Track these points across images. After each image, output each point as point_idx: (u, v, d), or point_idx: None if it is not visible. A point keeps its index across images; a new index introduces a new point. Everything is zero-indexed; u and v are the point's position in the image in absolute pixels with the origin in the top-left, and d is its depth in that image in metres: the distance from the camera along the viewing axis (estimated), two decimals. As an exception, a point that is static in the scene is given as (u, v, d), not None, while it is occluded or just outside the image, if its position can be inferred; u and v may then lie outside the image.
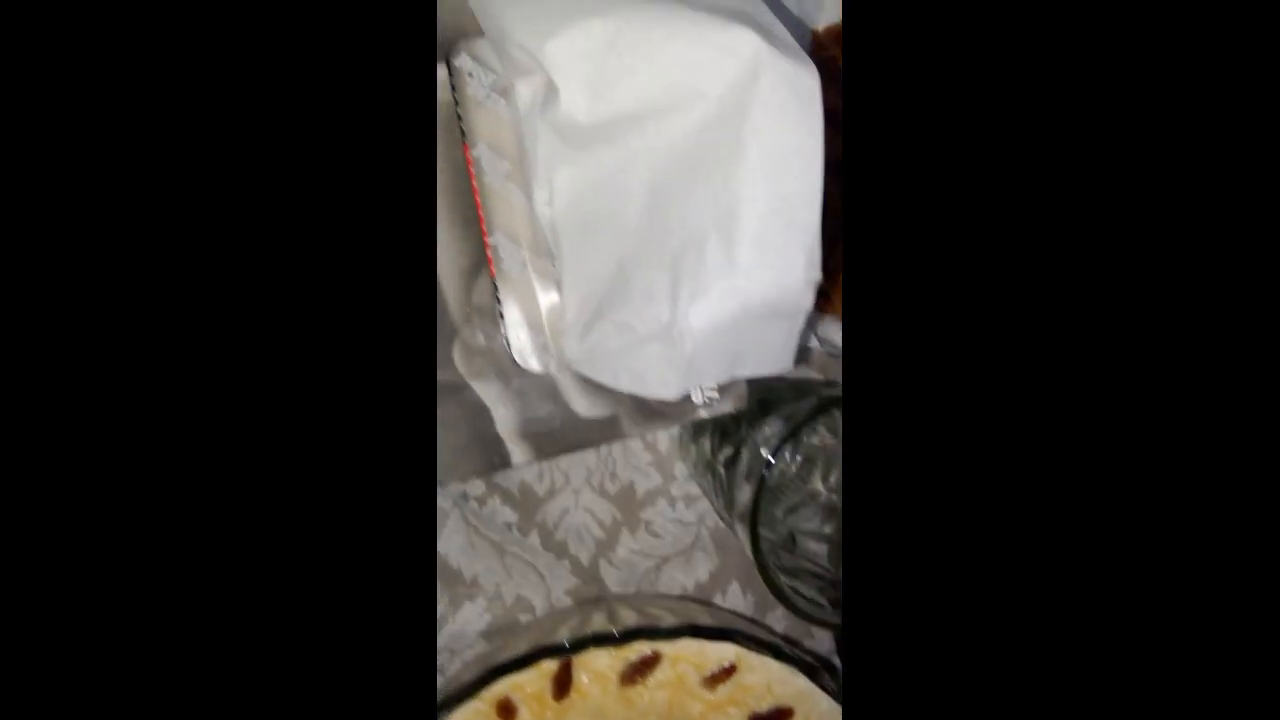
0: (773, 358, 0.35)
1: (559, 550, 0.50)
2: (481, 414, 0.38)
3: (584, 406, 0.39)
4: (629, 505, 0.50)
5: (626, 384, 0.35)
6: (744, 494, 0.37)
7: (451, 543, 0.49)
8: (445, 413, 0.38)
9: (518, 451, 0.38)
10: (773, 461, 0.36)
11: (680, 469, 0.50)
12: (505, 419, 0.38)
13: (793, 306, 0.33)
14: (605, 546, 0.50)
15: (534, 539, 0.49)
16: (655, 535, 0.51)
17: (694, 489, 0.51)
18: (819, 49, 0.44)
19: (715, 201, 0.32)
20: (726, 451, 0.41)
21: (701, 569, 0.52)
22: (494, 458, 0.38)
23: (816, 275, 0.32)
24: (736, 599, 0.52)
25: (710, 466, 0.43)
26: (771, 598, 0.39)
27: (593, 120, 0.33)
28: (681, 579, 0.51)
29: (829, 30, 0.44)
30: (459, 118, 0.37)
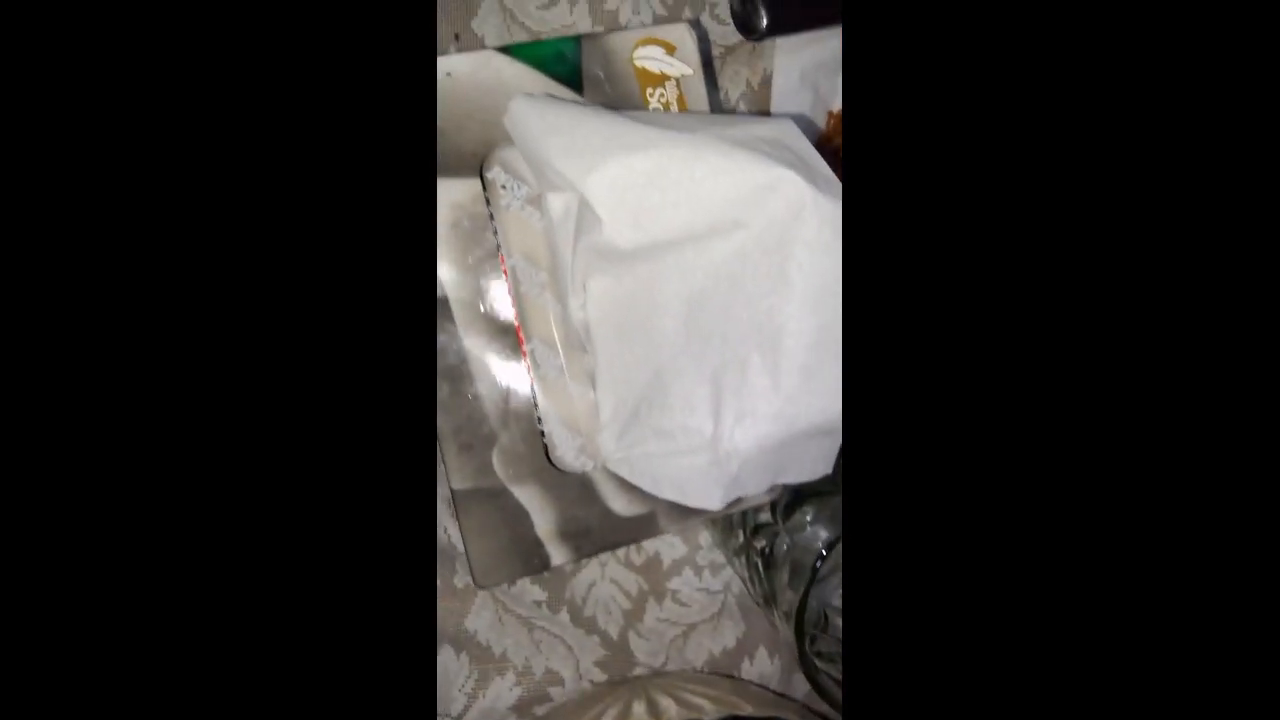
0: (814, 468, 0.35)
1: (588, 626, 0.50)
2: (521, 518, 0.38)
3: (621, 505, 0.39)
4: (655, 575, 0.51)
5: (668, 493, 0.36)
6: (786, 595, 0.37)
7: (480, 620, 0.49)
8: (485, 518, 0.38)
9: (557, 553, 0.39)
10: (820, 565, 0.37)
11: (705, 537, 0.51)
12: (544, 521, 0.39)
13: (837, 425, 0.34)
14: (633, 617, 0.51)
15: (563, 615, 0.50)
16: (682, 604, 0.52)
17: (719, 557, 0.51)
18: (825, 140, 0.44)
19: (757, 325, 0.32)
20: (761, 542, 0.42)
21: (729, 635, 0.52)
22: (534, 560, 0.39)
23: (861, 400, 0.33)
24: (764, 664, 0.52)
25: (742, 551, 0.43)
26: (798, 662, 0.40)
27: (632, 246, 0.33)
28: (709, 645, 0.52)
29: (836, 118, 0.45)
30: (493, 230, 0.37)
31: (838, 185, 0.31)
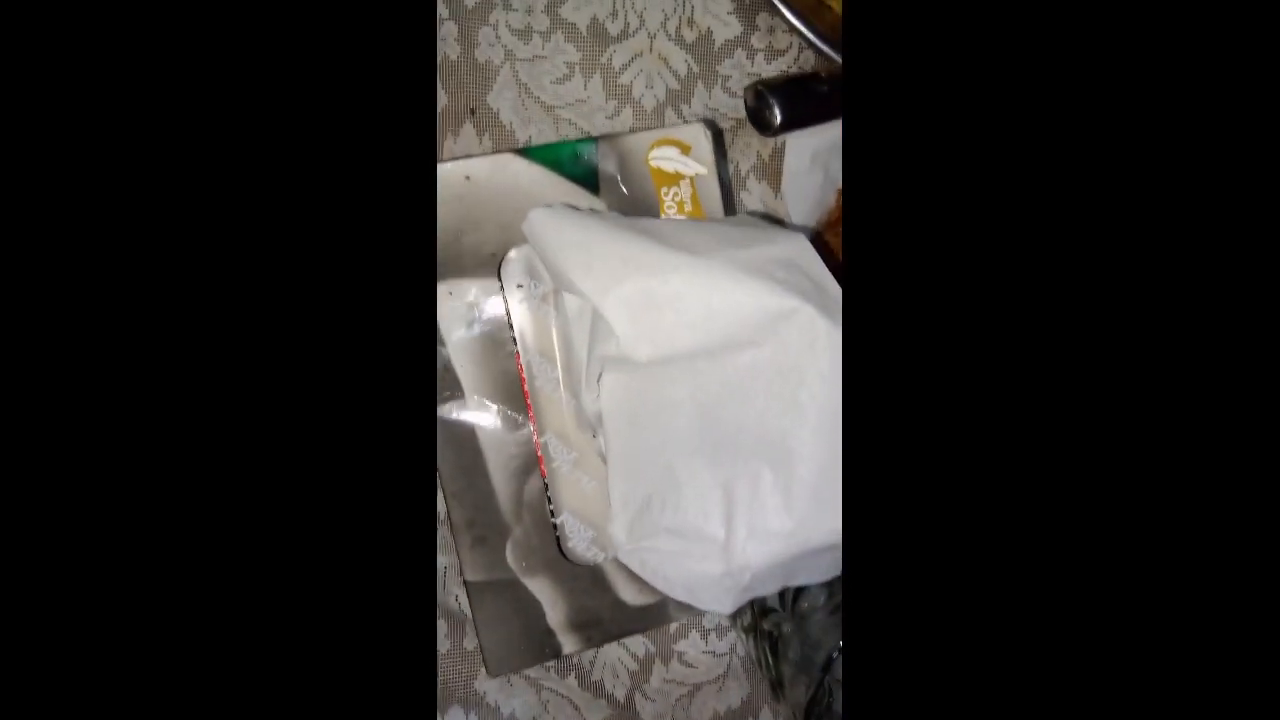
0: (825, 573, 0.36)
1: (595, 689, 0.51)
2: (533, 608, 0.39)
3: (632, 595, 0.40)
4: (662, 638, 0.52)
5: (679, 594, 0.36)
6: (795, 690, 0.38)
7: (489, 681, 0.50)
8: (498, 609, 0.39)
9: (569, 642, 0.39)
10: (828, 670, 0.37)
11: (711, 600, 0.52)
12: (556, 612, 0.39)
13: (847, 539, 0.34)
14: (639, 679, 0.52)
15: (571, 679, 0.50)
16: (689, 665, 0.52)
17: (725, 619, 0.52)
18: (834, 220, 0.45)
19: (769, 442, 0.33)
20: (768, 625, 0.42)
21: (734, 696, 0.53)
22: (545, 649, 0.39)
23: (871, 519, 0.33)
24: (767, 724, 0.53)
25: (750, 630, 0.44)
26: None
27: (646, 359, 0.33)
28: (714, 705, 0.53)
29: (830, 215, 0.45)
30: (510, 326, 0.37)
31: (852, 311, 0.32)
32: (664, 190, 0.38)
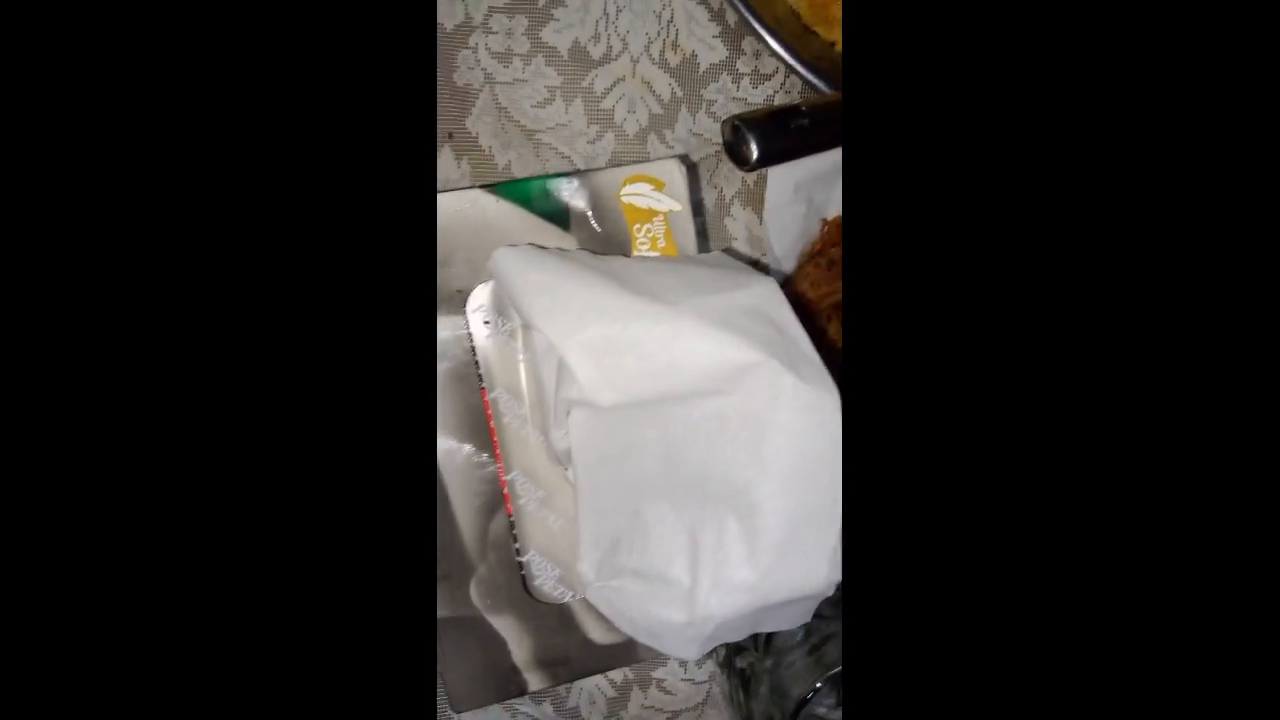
0: (793, 621, 0.35)
1: (571, 716, 0.50)
2: (498, 645, 0.39)
3: (600, 634, 0.39)
4: (642, 665, 0.51)
5: (644, 638, 0.36)
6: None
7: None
8: (462, 645, 0.38)
9: (534, 679, 0.39)
10: (807, 700, 0.37)
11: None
12: (521, 650, 0.39)
13: (814, 594, 0.34)
14: (617, 705, 0.51)
15: (546, 705, 0.50)
16: (667, 693, 0.52)
17: (704, 648, 0.52)
18: (818, 250, 0.44)
19: (734, 491, 0.32)
20: (741, 663, 0.42)
21: (711, 724, 0.53)
22: (510, 686, 0.39)
23: (837, 577, 0.33)
24: (744, 753, 0.53)
25: (724, 666, 0.43)
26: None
27: (610, 404, 0.33)
28: (691, 733, 0.52)
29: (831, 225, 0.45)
30: (476, 363, 0.37)
31: (817, 365, 0.31)
32: (637, 227, 0.37)
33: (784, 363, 0.31)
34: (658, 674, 0.52)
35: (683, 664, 0.52)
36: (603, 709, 0.51)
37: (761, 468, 0.31)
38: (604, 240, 0.37)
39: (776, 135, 0.37)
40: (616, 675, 0.51)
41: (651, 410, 0.33)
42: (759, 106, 0.47)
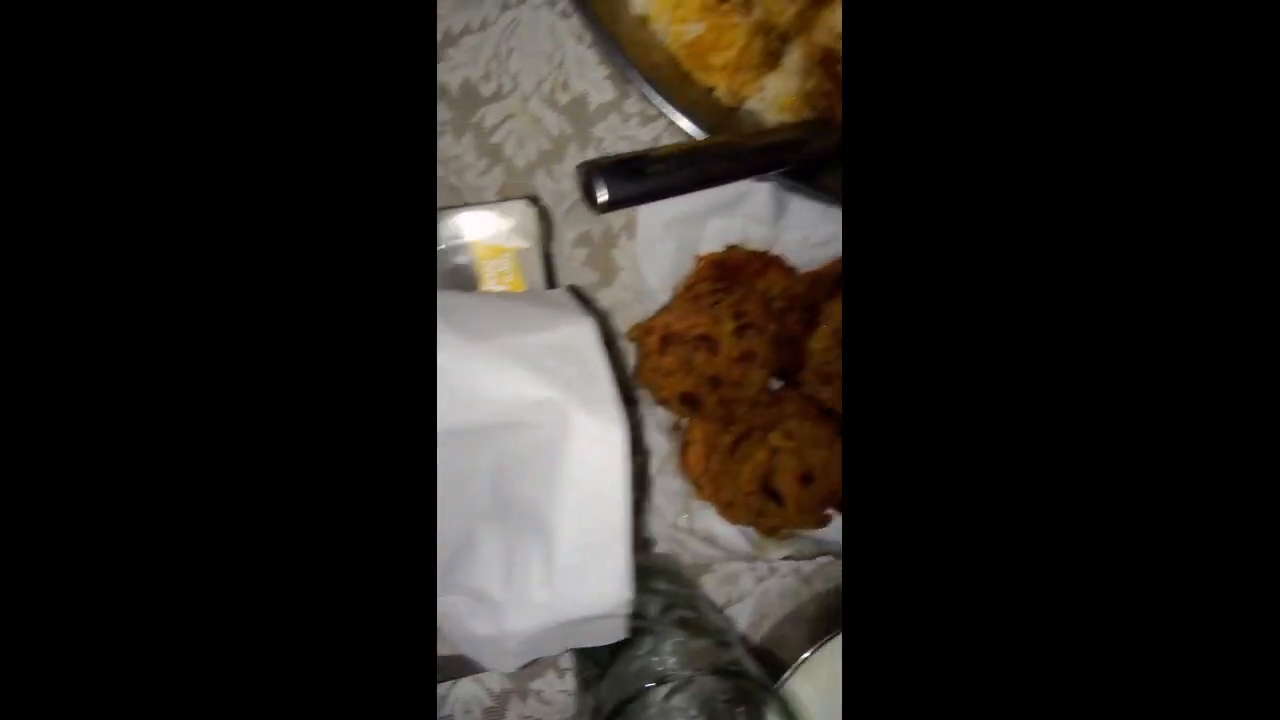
0: (607, 636, 0.37)
1: (446, 722, 0.52)
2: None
3: (441, 646, 0.41)
4: (519, 675, 0.53)
5: (466, 650, 0.38)
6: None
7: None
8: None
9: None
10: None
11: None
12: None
13: (612, 611, 0.36)
14: (495, 715, 0.53)
15: (424, 710, 0.52)
16: (545, 703, 0.54)
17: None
18: (690, 284, 0.46)
19: (538, 516, 0.34)
20: (588, 672, 0.43)
21: (586, 735, 0.54)
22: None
23: (627, 596, 0.35)
24: (618, 765, 0.55)
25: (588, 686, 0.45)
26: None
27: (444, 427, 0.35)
28: (567, 744, 0.54)
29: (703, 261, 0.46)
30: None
31: (613, 404, 0.33)
32: (486, 261, 0.39)
33: (579, 399, 0.33)
34: (535, 684, 0.54)
35: (560, 674, 0.54)
36: (479, 718, 0.53)
37: (556, 497, 0.34)
38: (454, 275, 0.39)
39: (625, 181, 0.39)
40: (495, 685, 0.53)
41: (483, 432, 0.36)
42: (645, 146, 0.49)
